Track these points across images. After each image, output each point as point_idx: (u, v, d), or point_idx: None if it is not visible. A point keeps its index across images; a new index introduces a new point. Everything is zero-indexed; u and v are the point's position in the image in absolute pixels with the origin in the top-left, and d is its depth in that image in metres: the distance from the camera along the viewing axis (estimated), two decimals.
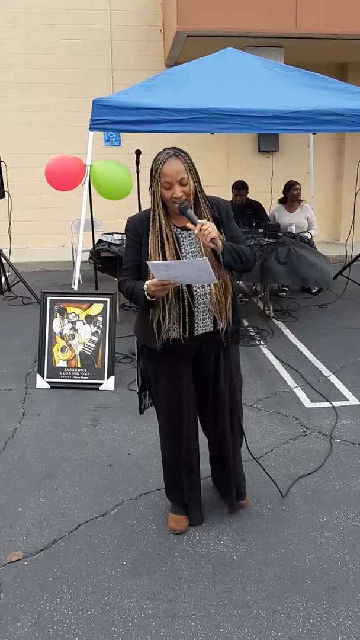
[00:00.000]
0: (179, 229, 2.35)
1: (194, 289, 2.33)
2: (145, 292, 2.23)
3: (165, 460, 2.70)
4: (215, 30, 7.16)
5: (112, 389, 4.19)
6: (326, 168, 9.77)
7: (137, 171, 4.56)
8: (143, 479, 3.08)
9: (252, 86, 5.25)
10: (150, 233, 2.31)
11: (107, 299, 4.37)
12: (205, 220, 2.24)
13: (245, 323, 5.68)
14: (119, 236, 5.69)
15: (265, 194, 8.11)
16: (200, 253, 2.32)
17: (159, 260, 2.25)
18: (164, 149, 2.28)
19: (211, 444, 2.75)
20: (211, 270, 2.13)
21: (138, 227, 2.37)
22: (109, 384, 4.21)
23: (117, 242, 5.50)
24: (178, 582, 2.36)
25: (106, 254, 5.44)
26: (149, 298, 2.24)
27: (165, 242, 2.28)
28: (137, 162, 4.50)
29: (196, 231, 2.19)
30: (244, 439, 2.75)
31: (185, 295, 2.31)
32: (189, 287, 2.32)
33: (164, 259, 2.26)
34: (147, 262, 2.18)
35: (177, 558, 2.49)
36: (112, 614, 2.21)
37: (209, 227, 2.17)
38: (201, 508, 2.73)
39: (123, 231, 6.44)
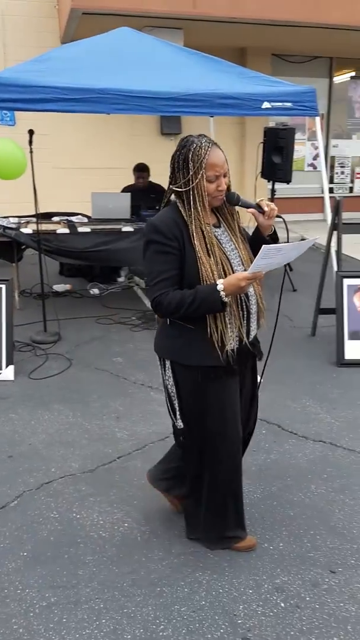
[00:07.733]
0: (211, 227, 2.13)
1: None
2: (222, 293, 1.98)
3: (228, 490, 2.34)
4: (111, 9, 6.98)
5: (12, 378, 4.04)
6: (229, 151, 9.88)
7: (31, 151, 4.38)
8: (45, 468, 3.00)
9: (149, 67, 5.18)
10: (194, 234, 2.05)
11: (3, 286, 4.19)
12: (263, 198, 2.16)
13: None
14: (15, 219, 5.47)
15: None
16: (236, 250, 2.16)
17: (219, 264, 2.05)
18: (196, 137, 2.05)
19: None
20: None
21: (174, 230, 2.05)
22: (7, 373, 4.05)
23: (13, 225, 5.28)
24: (81, 567, 2.33)
25: (1, 238, 5.20)
26: (224, 300, 1.99)
27: (210, 243, 2.07)
28: (30, 142, 4.32)
29: (267, 210, 2.11)
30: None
31: (242, 297, 2.12)
32: None
33: (215, 261, 2.05)
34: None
35: (80, 544, 2.46)
36: (13, 606, 2.14)
37: (273, 205, 2.11)
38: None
39: (18, 214, 6.11)
